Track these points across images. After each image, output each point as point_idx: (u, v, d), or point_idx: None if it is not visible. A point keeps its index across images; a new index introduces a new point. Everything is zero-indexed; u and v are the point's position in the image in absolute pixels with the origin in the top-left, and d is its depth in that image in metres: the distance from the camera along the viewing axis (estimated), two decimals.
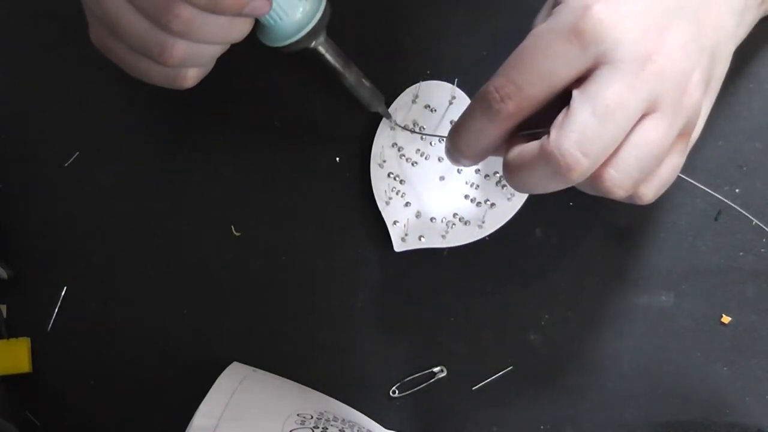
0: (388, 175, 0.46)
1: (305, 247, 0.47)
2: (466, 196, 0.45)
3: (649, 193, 0.34)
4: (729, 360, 0.45)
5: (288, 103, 0.47)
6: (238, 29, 0.37)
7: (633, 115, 0.32)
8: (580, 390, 0.46)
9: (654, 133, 0.32)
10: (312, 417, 0.41)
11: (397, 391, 0.47)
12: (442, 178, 0.46)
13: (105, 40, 0.37)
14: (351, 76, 0.43)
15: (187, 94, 0.46)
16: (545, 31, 0.33)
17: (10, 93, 0.49)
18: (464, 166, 0.37)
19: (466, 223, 0.45)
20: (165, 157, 0.48)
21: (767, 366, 0.45)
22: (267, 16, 0.38)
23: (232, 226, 0.47)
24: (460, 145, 0.36)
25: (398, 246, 0.46)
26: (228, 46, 0.38)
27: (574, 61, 0.32)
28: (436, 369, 0.47)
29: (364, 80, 0.44)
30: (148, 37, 0.35)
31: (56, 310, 0.48)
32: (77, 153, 0.48)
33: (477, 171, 0.45)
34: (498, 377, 0.46)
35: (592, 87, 0.32)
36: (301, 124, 0.47)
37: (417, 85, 0.45)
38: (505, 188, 0.45)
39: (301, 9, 0.38)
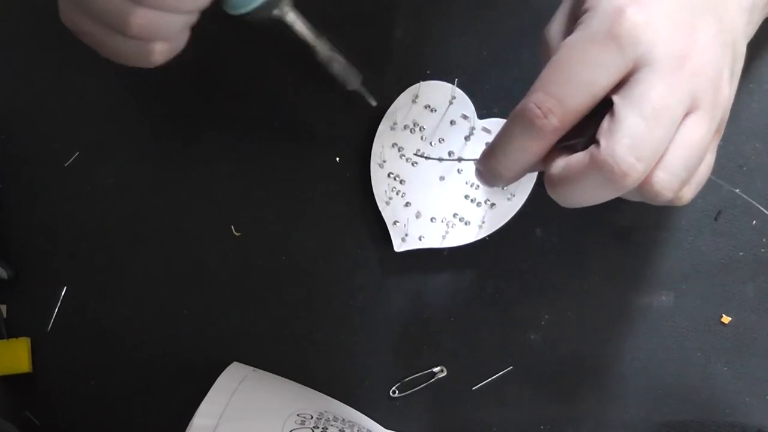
0: (388, 175, 0.46)
1: (305, 247, 0.47)
2: (466, 197, 0.45)
3: (689, 193, 0.34)
4: (729, 360, 0.45)
5: (288, 103, 0.47)
6: None
7: (678, 115, 0.31)
8: (580, 390, 0.46)
9: (698, 132, 0.32)
10: (312, 417, 0.41)
11: (397, 391, 0.47)
12: (442, 178, 0.46)
13: (72, 16, 0.37)
14: (323, 50, 0.40)
15: (187, 94, 0.46)
16: (580, 40, 0.32)
17: (10, 93, 0.49)
18: (498, 186, 0.37)
19: (466, 223, 0.45)
20: (165, 157, 0.48)
21: (767, 366, 0.45)
22: None
23: (232, 226, 0.47)
24: (498, 168, 0.35)
25: (398, 246, 0.46)
26: (194, 16, 0.37)
27: (614, 66, 0.31)
28: (436, 369, 0.47)
29: (338, 55, 0.41)
30: (110, 6, 0.35)
31: (56, 310, 0.48)
32: (77, 153, 0.48)
33: None
34: (498, 377, 0.46)
35: (635, 90, 0.31)
36: (301, 124, 0.47)
37: (417, 85, 0.45)
38: (505, 188, 0.45)
39: None
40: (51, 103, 0.48)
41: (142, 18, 0.35)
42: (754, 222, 0.45)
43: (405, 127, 0.46)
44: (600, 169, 0.31)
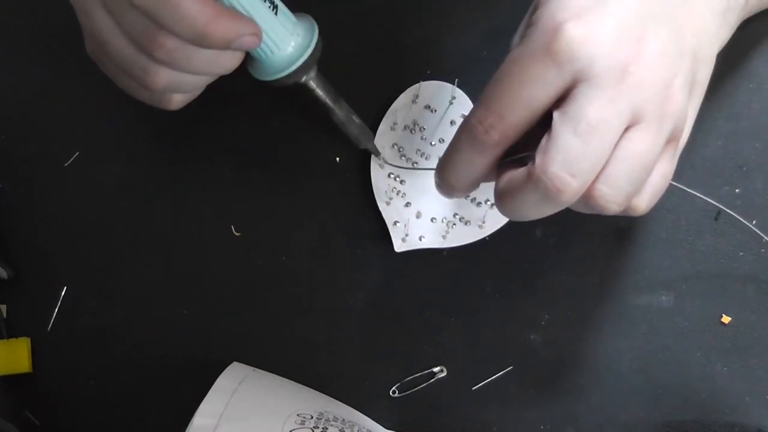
0: (389, 175, 0.46)
1: (305, 247, 0.47)
2: (467, 196, 0.45)
3: (642, 204, 0.34)
4: (729, 360, 0.45)
5: (288, 103, 0.47)
6: (226, 62, 0.36)
7: (616, 129, 0.31)
8: (580, 390, 0.46)
9: (640, 144, 0.32)
10: (312, 417, 0.41)
11: (397, 391, 0.47)
12: None
13: (97, 54, 0.37)
14: (341, 112, 0.43)
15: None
16: (519, 55, 0.32)
17: (10, 93, 0.49)
18: (456, 197, 0.37)
19: (466, 223, 0.45)
20: (165, 157, 0.48)
21: (767, 366, 0.45)
22: (257, 50, 0.37)
23: (232, 226, 0.47)
24: (449, 178, 0.35)
25: (398, 246, 0.46)
26: (218, 77, 0.38)
27: (552, 82, 0.31)
28: (436, 369, 0.47)
29: (353, 117, 0.44)
30: (133, 61, 0.35)
31: (56, 310, 0.48)
32: (77, 153, 0.48)
33: None
34: (498, 377, 0.46)
35: (571, 106, 0.31)
36: (301, 124, 0.47)
37: (417, 85, 0.45)
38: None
39: (292, 43, 0.38)
40: (51, 103, 0.48)
41: (164, 78, 0.36)
42: (754, 222, 0.45)
43: (405, 127, 0.46)
44: (536, 185, 0.32)
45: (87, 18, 0.36)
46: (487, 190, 0.45)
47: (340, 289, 0.47)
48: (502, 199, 0.34)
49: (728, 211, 0.45)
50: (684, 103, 0.33)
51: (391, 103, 0.46)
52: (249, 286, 0.47)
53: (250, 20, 0.35)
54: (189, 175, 0.48)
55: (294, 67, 0.38)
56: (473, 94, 0.45)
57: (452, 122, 0.45)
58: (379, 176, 0.46)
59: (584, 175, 0.31)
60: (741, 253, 0.45)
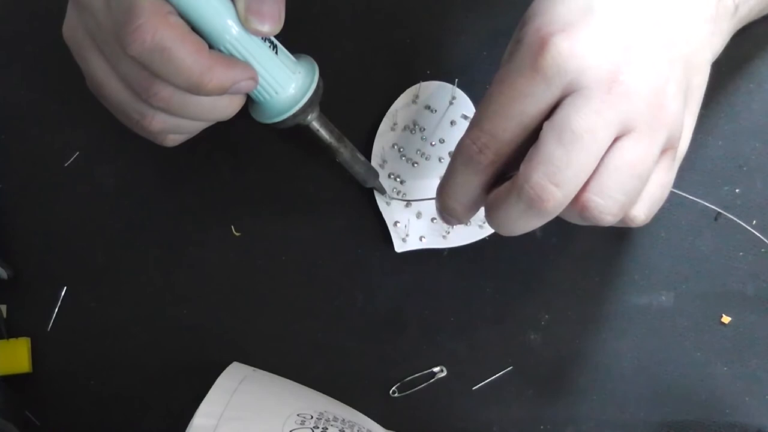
0: (389, 176, 0.46)
1: (305, 247, 0.47)
2: None
3: (641, 214, 0.34)
4: (729, 360, 0.45)
5: None
6: (224, 108, 0.36)
7: (603, 138, 0.31)
8: (580, 390, 0.46)
9: (632, 153, 0.31)
10: (312, 417, 0.41)
11: (397, 391, 0.47)
12: None
13: (95, 92, 0.37)
14: (345, 152, 0.42)
15: None
16: (506, 73, 0.32)
17: (10, 93, 0.49)
18: (458, 223, 0.37)
19: (466, 224, 0.45)
20: (165, 157, 0.48)
21: (767, 366, 0.45)
22: (258, 92, 0.36)
23: (232, 226, 0.47)
24: (449, 203, 0.35)
25: (399, 246, 0.46)
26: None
27: (541, 97, 0.31)
28: (436, 369, 0.47)
29: (358, 155, 0.43)
30: (129, 105, 0.35)
31: (56, 310, 0.48)
32: (77, 153, 0.48)
33: None
34: (498, 377, 0.46)
35: (557, 116, 0.31)
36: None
37: (417, 85, 0.45)
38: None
39: (293, 84, 0.37)
40: (51, 103, 0.48)
41: (160, 122, 0.36)
42: (754, 222, 0.45)
43: (405, 127, 0.46)
44: (519, 195, 0.31)
45: (83, 62, 0.36)
46: None
47: (340, 289, 0.47)
48: (488, 213, 0.34)
49: (728, 212, 0.45)
50: (678, 111, 0.33)
51: (391, 103, 0.46)
52: (249, 286, 0.47)
53: (246, 65, 0.34)
54: (189, 175, 0.48)
55: (296, 109, 0.37)
56: (473, 94, 0.45)
57: (452, 122, 0.45)
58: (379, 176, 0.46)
59: (568, 185, 0.31)
60: (741, 253, 0.45)
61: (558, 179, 0.31)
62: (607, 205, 0.32)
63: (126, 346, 0.48)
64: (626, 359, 0.46)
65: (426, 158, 0.46)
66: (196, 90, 0.33)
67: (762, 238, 0.45)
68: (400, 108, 0.46)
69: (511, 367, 0.46)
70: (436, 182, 0.45)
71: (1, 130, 0.48)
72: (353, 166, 0.43)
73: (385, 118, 0.46)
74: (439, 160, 0.46)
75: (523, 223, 0.33)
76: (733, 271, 0.45)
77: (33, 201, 0.48)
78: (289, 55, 0.37)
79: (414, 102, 0.46)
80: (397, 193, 0.46)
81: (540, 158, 0.31)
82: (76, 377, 0.48)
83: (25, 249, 0.48)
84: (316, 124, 0.40)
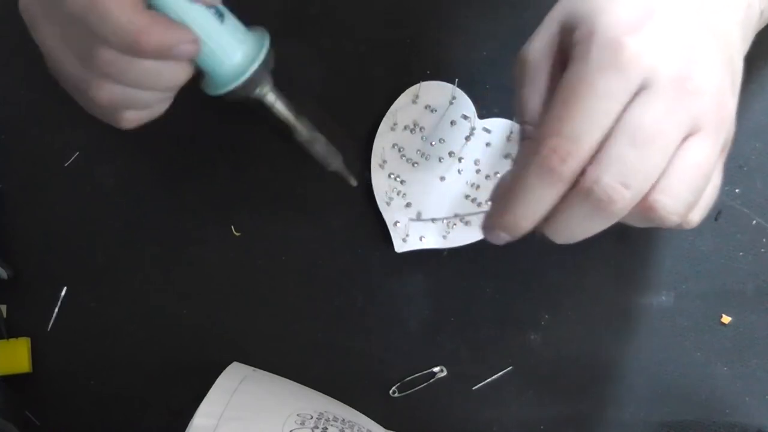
0: (389, 176, 0.46)
1: (305, 247, 0.47)
2: (467, 197, 0.45)
3: (697, 216, 0.33)
4: (729, 360, 0.45)
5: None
6: (170, 75, 0.35)
7: (674, 139, 0.31)
8: (580, 390, 0.46)
9: (701, 153, 0.31)
10: (312, 417, 0.41)
11: (397, 391, 0.47)
12: (442, 179, 0.46)
13: (51, 69, 0.36)
14: (304, 131, 0.40)
15: (187, 93, 0.46)
16: (584, 74, 0.31)
17: (10, 93, 0.49)
18: (512, 240, 0.35)
19: (466, 224, 0.45)
20: (165, 157, 0.48)
21: (767, 366, 0.45)
22: (203, 61, 0.35)
23: (232, 226, 0.47)
24: (517, 222, 0.33)
25: (399, 246, 0.46)
26: (171, 93, 0.36)
27: (622, 94, 0.31)
28: (436, 369, 0.47)
29: (318, 134, 0.40)
30: (77, 75, 0.34)
31: (56, 310, 0.48)
32: (77, 153, 0.48)
33: (478, 171, 0.45)
34: (498, 377, 0.46)
35: (629, 116, 0.31)
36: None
37: (417, 85, 0.45)
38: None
39: (239, 54, 0.35)
40: (51, 103, 0.48)
41: (107, 92, 0.34)
42: (754, 222, 0.45)
43: (405, 127, 0.46)
44: (586, 196, 0.31)
45: (34, 31, 0.35)
46: (488, 190, 0.45)
47: (340, 289, 0.47)
48: (548, 224, 0.33)
49: (728, 212, 0.45)
50: (734, 110, 0.33)
51: (391, 103, 0.46)
52: (249, 286, 0.47)
53: (185, 28, 0.33)
54: (189, 175, 0.48)
55: (243, 78, 0.36)
56: (473, 94, 0.45)
57: (452, 122, 0.45)
58: (379, 176, 0.46)
59: (638, 186, 0.30)
60: (741, 253, 0.45)
61: (629, 180, 0.30)
62: (676, 206, 0.31)
63: (126, 345, 0.48)
64: (626, 359, 0.46)
65: (426, 158, 0.46)
66: (134, 51, 0.32)
67: (762, 238, 0.45)
68: (400, 108, 0.46)
69: (511, 367, 0.46)
70: (437, 182, 0.46)
71: (1, 130, 0.48)
72: (313, 146, 0.40)
73: (385, 118, 0.46)
74: (439, 160, 0.46)
75: (585, 227, 0.32)
76: (733, 271, 0.45)
77: (33, 201, 0.48)
78: (239, 24, 0.36)
79: (414, 102, 0.46)
80: (398, 194, 0.46)
81: (611, 159, 0.30)
82: (76, 377, 0.48)
83: (25, 249, 0.48)
84: (270, 99, 0.38)
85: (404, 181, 0.46)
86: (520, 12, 0.46)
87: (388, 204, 0.46)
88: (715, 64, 0.32)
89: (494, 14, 0.46)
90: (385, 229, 0.46)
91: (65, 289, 0.48)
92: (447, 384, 0.47)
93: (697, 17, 0.32)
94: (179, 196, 0.48)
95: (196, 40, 0.34)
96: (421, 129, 0.46)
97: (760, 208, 0.45)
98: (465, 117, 0.45)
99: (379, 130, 0.46)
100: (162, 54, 0.33)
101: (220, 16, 0.35)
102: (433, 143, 0.46)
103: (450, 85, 0.45)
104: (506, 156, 0.45)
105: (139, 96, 0.36)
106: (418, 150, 0.46)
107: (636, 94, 0.31)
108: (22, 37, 0.49)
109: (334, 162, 0.41)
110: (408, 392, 0.47)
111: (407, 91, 0.46)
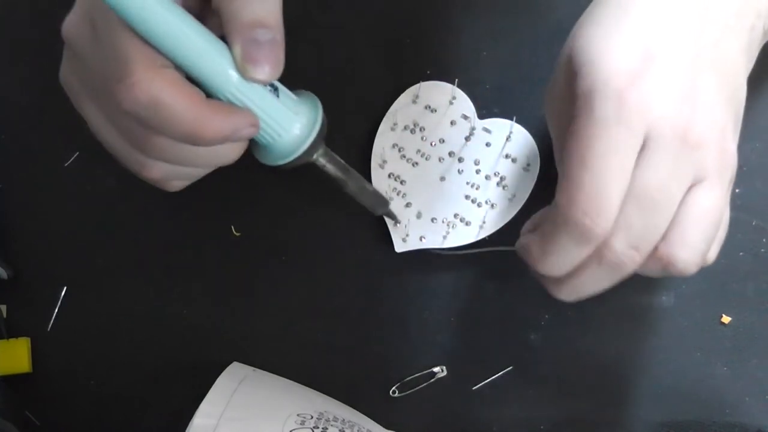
0: (389, 176, 0.46)
1: (305, 247, 0.47)
2: (467, 197, 0.45)
3: (713, 255, 0.34)
4: (729, 360, 0.45)
5: None
6: (226, 154, 0.35)
7: (679, 194, 0.31)
8: (580, 390, 0.46)
9: (708, 202, 0.32)
10: (312, 417, 0.41)
11: (397, 391, 0.47)
12: (442, 179, 0.46)
13: (95, 135, 0.36)
14: (352, 183, 0.41)
15: None
16: (592, 131, 0.31)
17: (10, 93, 0.49)
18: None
19: (466, 224, 0.45)
20: None
21: (767, 366, 0.45)
22: (260, 137, 0.35)
23: (232, 226, 0.47)
24: (545, 271, 0.34)
25: (399, 246, 0.46)
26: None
27: (631, 147, 0.31)
28: (436, 369, 0.47)
29: (366, 185, 0.42)
30: (127, 153, 0.34)
31: (56, 310, 0.48)
32: (77, 153, 0.48)
33: (478, 172, 0.45)
34: (498, 377, 0.46)
35: (635, 177, 0.31)
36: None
37: (417, 85, 0.45)
38: (506, 189, 0.45)
39: (297, 126, 0.35)
40: (51, 103, 0.48)
41: (160, 171, 0.34)
42: (754, 222, 0.45)
43: (405, 127, 0.46)
44: (600, 262, 0.32)
45: (79, 109, 0.35)
46: (488, 191, 0.45)
47: (340, 289, 0.47)
48: (561, 283, 0.34)
49: (729, 210, 0.45)
50: (735, 148, 0.33)
51: (391, 103, 0.46)
52: (249, 286, 0.47)
53: (246, 111, 0.33)
54: None
55: (300, 151, 0.36)
56: (473, 94, 0.45)
57: (452, 122, 0.45)
58: (379, 176, 0.46)
59: (647, 247, 0.32)
60: (741, 253, 0.45)
61: (639, 244, 0.31)
62: (693, 257, 0.32)
63: (126, 346, 0.48)
64: (626, 359, 0.46)
65: (426, 158, 0.46)
66: (193, 141, 0.31)
67: (762, 238, 0.45)
68: (400, 108, 0.46)
69: (511, 367, 0.46)
70: (437, 182, 0.46)
71: (1, 130, 0.48)
72: (361, 197, 0.42)
73: (385, 118, 0.46)
74: (439, 160, 0.46)
75: (598, 286, 0.34)
76: (733, 271, 0.45)
77: (33, 201, 0.48)
78: (291, 95, 0.36)
79: (414, 102, 0.46)
80: (398, 194, 0.46)
81: (620, 225, 0.31)
82: (76, 377, 0.48)
83: (25, 249, 0.48)
84: (322, 160, 0.39)
85: (404, 181, 0.46)
86: (520, 12, 0.46)
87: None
88: (717, 106, 0.32)
89: (494, 14, 0.46)
90: (385, 229, 0.46)
91: (65, 289, 0.48)
92: (447, 384, 0.47)
93: (697, 54, 0.32)
94: (179, 196, 0.48)
95: (256, 123, 0.33)
96: (421, 129, 0.46)
97: (760, 208, 0.45)
98: (465, 117, 0.45)
99: (379, 130, 0.46)
100: (223, 140, 0.32)
101: (275, 90, 0.34)
102: (433, 143, 0.46)
103: (450, 85, 0.45)
104: (506, 156, 0.45)
105: (190, 172, 0.36)
106: (418, 150, 0.46)
107: (641, 149, 0.31)
108: (22, 38, 0.49)
109: (382, 209, 0.43)
110: (408, 392, 0.47)
111: (407, 91, 0.46)
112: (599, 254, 0.32)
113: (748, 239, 0.45)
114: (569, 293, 0.35)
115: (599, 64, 0.32)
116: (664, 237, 0.32)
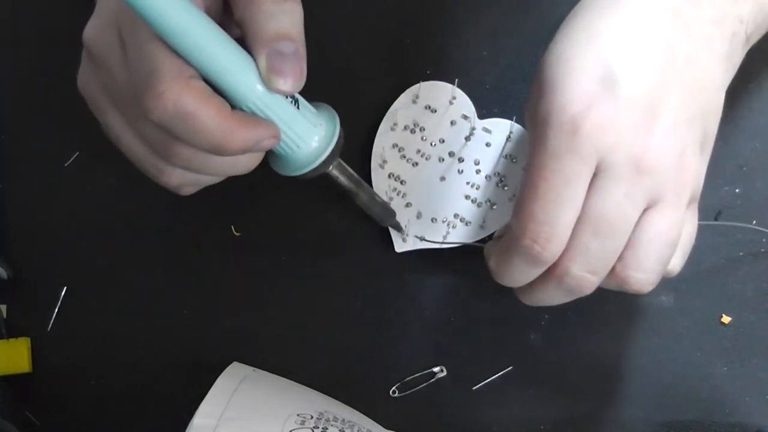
0: (389, 176, 0.46)
1: (305, 247, 0.47)
2: (467, 197, 0.45)
3: (677, 267, 0.35)
4: (729, 360, 0.45)
5: None
6: (245, 164, 0.35)
7: (633, 219, 0.32)
8: (580, 390, 0.46)
9: (663, 224, 0.32)
10: (312, 417, 0.41)
11: (397, 391, 0.47)
12: (442, 179, 0.46)
13: (111, 140, 0.36)
14: (364, 195, 0.42)
15: None
16: (545, 160, 0.32)
17: (10, 93, 0.49)
18: None
19: (466, 224, 0.45)
20: None
21: (767, 366, 0.45)
22: (279, 147, 0.36)
23: (232, 226, 0.47)
24: (504, 282, 0.37)
25: (399, 246, 0.46)
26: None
27: (583, 175, 0.32)
28: (436, 369, 0.47)
29: (376, 197, 0.43)
30: (147, 160, 0.34)
31: (56, 310, 0.48)
32: (77, 153, 0.48)
33: (478, 172, 0.45)
34: (498, 377, 0.46)
35: (590, 206, 0.32)
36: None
37: (417, 85, 0.45)
38: (506, 189, 0.45)
39: (315, 137, 0.36)
40: (51, 103, 0.48)
41: (179, 178, 0.35)
42: (754, 222, 0.45)
43: (405, 127, 0.46)
44: (559, 283, 0.34)
45: (98, 114, 0.35)
46: (488, 191, 0.45)
47: (340, 289, 0.47)
48: (522, 292, 0.37)
49: (728, 212, 0.45)
50: (698, 167, 0.33)
51: (391, 103, 0.46)
52: (249, 286, 0.47)
53: (268, 123, 0.33)
54: None
55: (317, 162, 0.37)
56: (473, 94, 0.45)
57: (452, 122, 0.45)
58: (379, 176, 0.46)
59: (603, 270, 0.33)
60: (741, 253, 0.45)
61: (595, 267, 0.33)
62: (649, 278, 0.33)
63: (126, 345, 0.48)
64: (626, 359, 0.46)
65: (426, 158, 0.46)
66: (218, 151, 0.32)
67: (762, 238, 0.45)
68: (400, 108, 0.46)
69: (511, 367, 0.46)
70: (437, 182, 0.46)
71: (1, 130, 0.48)
72: (372, 208, 0.43)
73: (385, 118, 0.46)
74: (439, 160, 0.46)
75: (558, 301, 0.36)
76: (733, 271, 0.45)
77: (33, 201, 0.48)
78: (310, 107, 0.37)
79: (414, 102, 0.46)
80: (398, 194, 0.46)
81: (577, 250, 0.32)
82: (76, 377, 0.48)
83: (25, 249, 0.48)
84: (335, 172, 0.40)
85: (404, 181, 0.46)
86: (520, 12, 0.46)
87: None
88: (676, 126, 0.32)
89: (494, 14, 0.46)
90: (385, 229, 0.46)
91: (65, 289, 0.48)
92: (447, 384, 0.47)
93: (663, 74, 0.32)
94: (179, 197, 0.48)
95: (277, 134, 0.34)
96: (421, 129, 0.46)
97: (760, 208, 0.45)
98: (465, 117, 0.45)
99: (379, 130, 0.46)
100: (245, 151, 0.33)
101: (296, 102, 0.35)
102: (433, 143, 0.46)
103: (450, 85, 0.45)
104: (506, 156, 0.45)
105: (208, 179, 0.37)
106: (418, 150, 0.46)
107: (596, 173, 0.32)
108: (22, 38, 0.49)
109: (389, 220, 0.44)
110: (408, 392, 0.47)
111: (407, 91, 0.46)
112: (558, 278, 0.33)
113: (748, 239, 0.45)
114: (531, 302, 0.37)
115: (561, 87, 0.32)
116: (620, 258, 0.33)
